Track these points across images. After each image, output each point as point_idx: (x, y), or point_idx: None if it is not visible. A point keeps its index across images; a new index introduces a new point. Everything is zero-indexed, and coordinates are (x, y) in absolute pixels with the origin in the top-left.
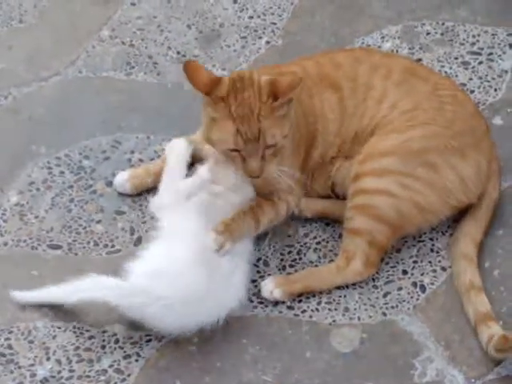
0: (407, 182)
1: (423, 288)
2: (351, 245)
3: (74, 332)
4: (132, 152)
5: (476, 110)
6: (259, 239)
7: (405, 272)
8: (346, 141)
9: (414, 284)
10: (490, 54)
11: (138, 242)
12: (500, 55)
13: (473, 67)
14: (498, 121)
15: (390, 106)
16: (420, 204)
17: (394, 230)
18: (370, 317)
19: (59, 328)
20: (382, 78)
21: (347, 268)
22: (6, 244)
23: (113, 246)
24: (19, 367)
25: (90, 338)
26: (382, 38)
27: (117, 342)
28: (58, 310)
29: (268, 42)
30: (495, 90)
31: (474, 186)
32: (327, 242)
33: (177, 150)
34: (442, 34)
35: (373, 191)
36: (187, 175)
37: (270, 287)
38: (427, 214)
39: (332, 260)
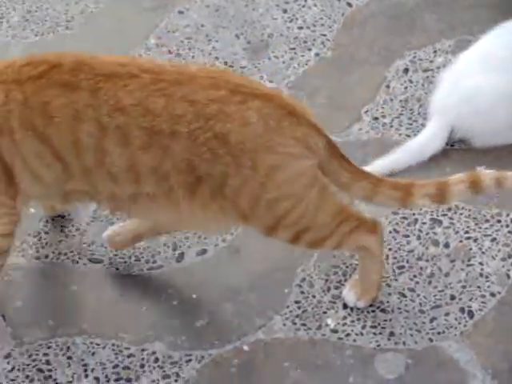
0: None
1: (471, 314)
2: (344, 243)
3: (113, 349)
4: None
5: None
6: (303, 260)
7: (453, 297)
8: None
9: (462, 310)
10: None
11: (181, 257)
12: None
13: None
14: None
15: None
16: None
17: (333, 214)
18: (416, 342)
19: (98, 345)
20: None
21: (368, 246)
22: (46, 256)
23: (154, 262)
24: (57, 383)
25: (129, 356)
26: (435, 52)
27: (156, 361)
28: (97, 326)
29: (317, 54)
30: None
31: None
32: None
33: None
34: None
35: None
36: None
37: (353, 299)
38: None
39: None
